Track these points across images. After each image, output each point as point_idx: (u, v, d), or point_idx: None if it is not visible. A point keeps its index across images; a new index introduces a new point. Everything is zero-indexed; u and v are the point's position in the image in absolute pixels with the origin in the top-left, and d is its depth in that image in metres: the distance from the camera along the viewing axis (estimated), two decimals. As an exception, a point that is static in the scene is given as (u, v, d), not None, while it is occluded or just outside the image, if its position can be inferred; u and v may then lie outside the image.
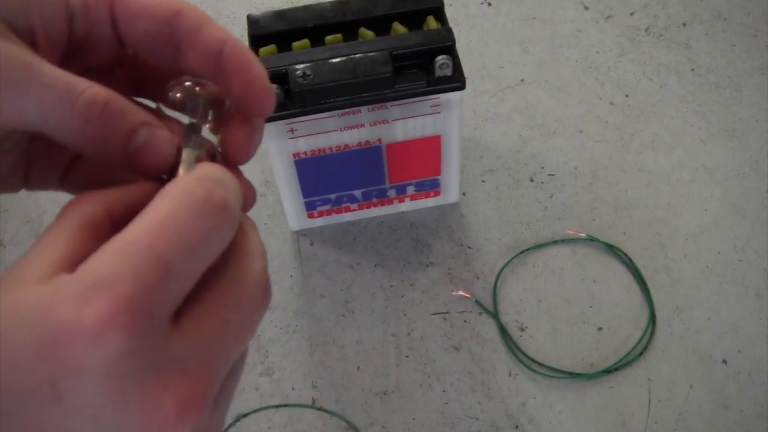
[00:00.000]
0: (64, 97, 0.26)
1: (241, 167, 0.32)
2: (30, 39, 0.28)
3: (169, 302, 0.23)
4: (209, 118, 0.30)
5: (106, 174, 0.31)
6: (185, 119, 0.30)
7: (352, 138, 0.58)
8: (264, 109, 0.30)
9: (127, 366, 0.22)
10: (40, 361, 0.21)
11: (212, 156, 0.30)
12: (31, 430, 0.22)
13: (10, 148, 0.30)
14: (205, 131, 0.31)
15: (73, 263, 0.24)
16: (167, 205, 0.24)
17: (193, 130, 0.30)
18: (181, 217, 0.24)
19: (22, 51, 0.26)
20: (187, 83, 0.30)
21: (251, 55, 0.30)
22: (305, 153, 0.59)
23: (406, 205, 0.67)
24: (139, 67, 0.33)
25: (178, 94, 0.30)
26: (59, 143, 0.29)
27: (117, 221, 0.26)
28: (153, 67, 0.33)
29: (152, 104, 0.32)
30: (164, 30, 0.30)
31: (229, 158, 0.31)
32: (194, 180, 0.25)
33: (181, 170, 0.29)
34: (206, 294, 0.25)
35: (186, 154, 0.29)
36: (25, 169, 0.31)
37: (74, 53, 0.30)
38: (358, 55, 0.54)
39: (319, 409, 0.59)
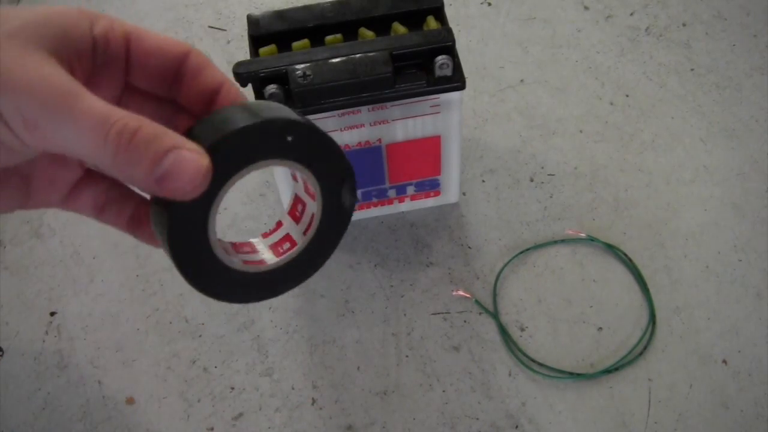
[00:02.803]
0: (98, 126, 0.27)
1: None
2: (68, 70, 0.29)
3: None
4: None
5: (102, 197, 0.34)
6: None
7: (352, 138, 0.58)
8: None
9: None
10: None
11: None
12: None
13: (23, 171, 0.32)
14: None
15: None
16: None
17: None
18: None
19: (67, 78, 0.28)
20: None
21: (243, 97, 0.34)
22: (305, 153, 0.59)
23: (406, 205, 0.67)
24: (135, 99, 0.35)
25: None
26: (64, 169, 0.32)
27: None
28: (148, 99, 0.35)
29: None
30: (173, 68, 0.33)
31: None
32: None
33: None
34: None
35: None
36: (27, 190, 0.33)
37: (89, 85, 0.32)
38: (358, 55, 0.54)
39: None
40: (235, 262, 0.34)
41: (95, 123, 0.27)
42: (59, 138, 0.28)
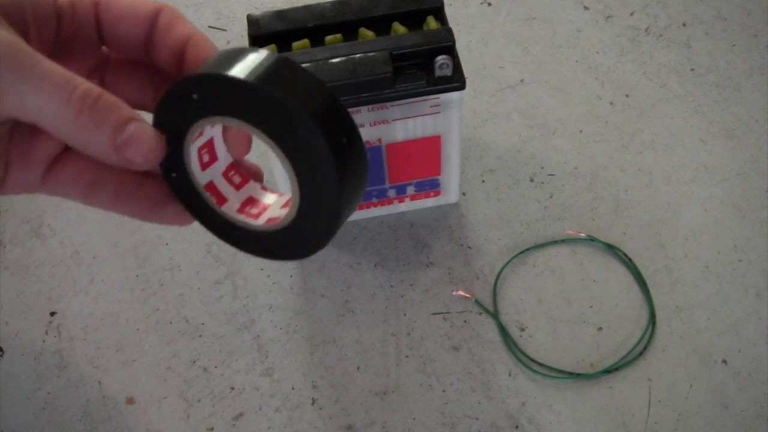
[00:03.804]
0: (62, 88, 0.27)
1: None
2: (22, 36, 0.29)
3: None
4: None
5: (88, 174, 0.32)
6: None
7: (352, 138, 0.58)
8: None
9: None
10: None
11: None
12: None
13: None
14: None
15: None
16: None
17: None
18: None
19: (22, 42, 0.28)
20: None
21: (213, 50, 0.32)
22: (305, 153, 0.59)
23: (406, 205, 0.67)
24: (111, 68, 0.34)
25: None
26: (40, 142, 0.31)
27: None
28: (124, 66, 0.34)
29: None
30: (145, 29, 0.32)
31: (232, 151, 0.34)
32: None
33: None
34: None
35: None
36: (4, 167, 0.31)
37: (58, 55, 0.31)
38: (358, 55, 0.54)
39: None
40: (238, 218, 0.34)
41: (59, 83, 0.27)
42: (18, 96, 0.27)
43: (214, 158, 0.34)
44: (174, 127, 0.31)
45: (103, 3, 0.32)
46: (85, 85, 0.28)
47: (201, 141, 0.32)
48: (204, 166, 0.33)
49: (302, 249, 0.34)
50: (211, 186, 0.34)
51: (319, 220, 0.32)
